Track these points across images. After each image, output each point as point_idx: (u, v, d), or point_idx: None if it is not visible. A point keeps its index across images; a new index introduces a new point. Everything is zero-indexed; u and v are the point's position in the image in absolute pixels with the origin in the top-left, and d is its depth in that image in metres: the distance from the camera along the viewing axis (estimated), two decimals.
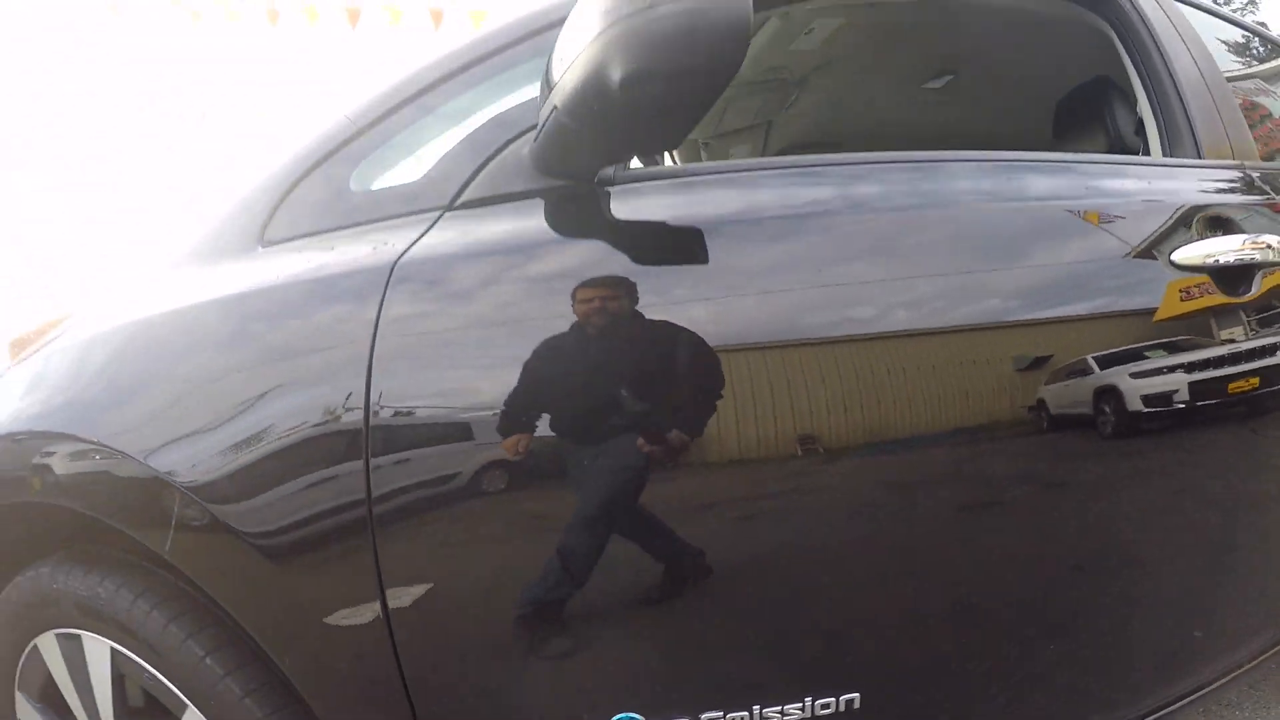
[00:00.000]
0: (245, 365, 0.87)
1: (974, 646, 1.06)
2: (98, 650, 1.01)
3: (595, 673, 0.90)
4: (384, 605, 0.83)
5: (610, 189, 0.93)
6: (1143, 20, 1.49)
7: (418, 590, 0.85)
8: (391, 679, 0.85)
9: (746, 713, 0.88)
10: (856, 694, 0.93)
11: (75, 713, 1.09)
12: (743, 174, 1.09)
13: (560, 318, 0.81)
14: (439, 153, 0.96)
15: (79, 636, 1.03)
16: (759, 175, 1.08)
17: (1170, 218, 1.21)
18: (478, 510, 0.85)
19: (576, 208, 0.94)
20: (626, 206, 0.95)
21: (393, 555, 0.83)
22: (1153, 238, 1.19)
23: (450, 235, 0.87)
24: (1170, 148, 1.41)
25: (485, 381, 0.84)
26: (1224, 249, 1.18)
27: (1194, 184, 1.33)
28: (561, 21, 0.95)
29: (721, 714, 0.87)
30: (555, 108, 0.78)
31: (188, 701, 0.94)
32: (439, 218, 0.89)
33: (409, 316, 0.83)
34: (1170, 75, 1.44)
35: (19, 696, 1.15)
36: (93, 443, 0.93)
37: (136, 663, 0.97)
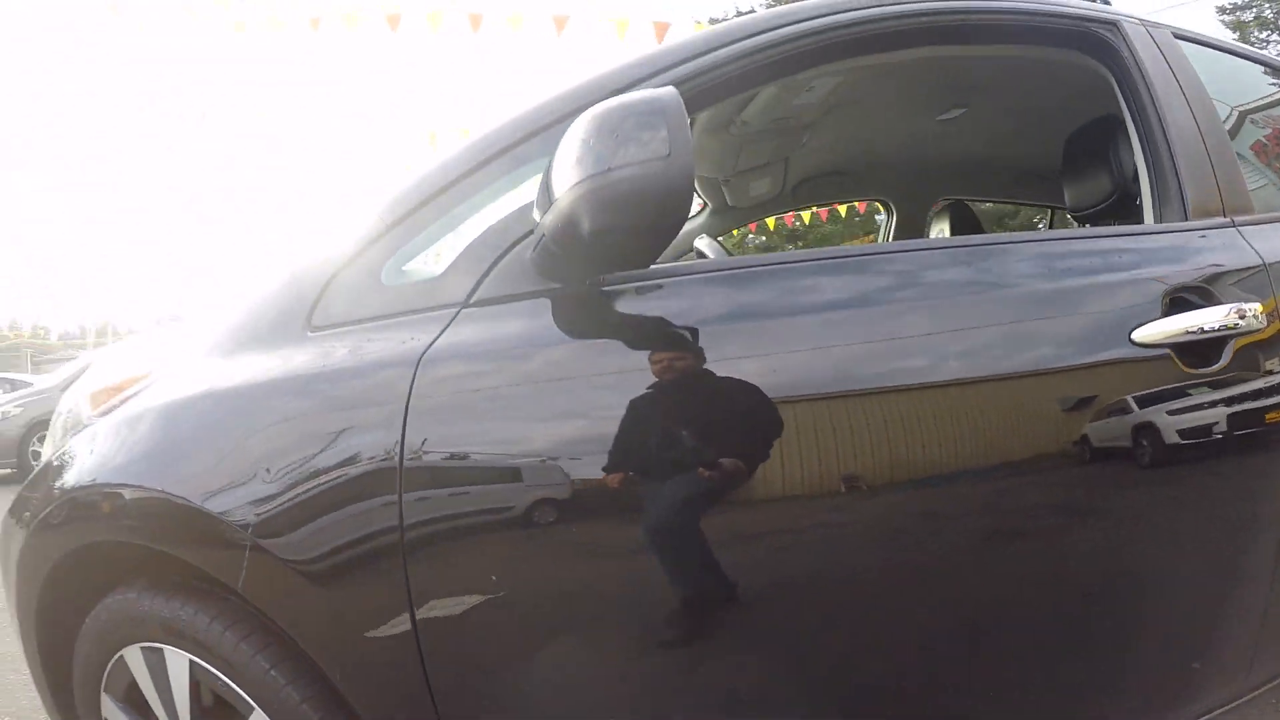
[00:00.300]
0: (305, 425, 1.06)
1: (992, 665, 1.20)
2: (178, 662, 1.19)
3: (594, 684, 1.07)
4: (413, 618, 1.00)
5: (607, 290, 1.08)
6: (1139, 68, 1.49)
7: (441, 605, 1.02)
8: (419, 684, 1.03)
9: None
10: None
11: (156, 713, 1.27)
12: (731, 272, 1.22)
13: (553, 393, 1.01)
14: (457, 248, 1.13)
15: (161, 650, 1.21)
16: (745, 274, 1.21)
17: (1136, 293, 1.24)
18: (488, 535, 1.02)
19: (577, 307, 1.09)
20: (625, 306, 1.10)
21: (419, 575, 1.00)
22: (1114, 316, 1.21)
23: (466, 333, 1.04)
24: (1159, 202, 1.44)
25: (492, 440, 1.02)
26: (1189, 324, 1.19)
27: (1167, 254, 1.33)
28: (561, 119, 1.15)
29: None
30: (543, 235, 0.97)
31: (255, 705, 1.12)
32: (456, 314, 1.06)
33: (433, 395, 1.01)
34: (1162, 127, 1.44)
35: (105, 697, 1.34)
36: (159, 490, 1.13)
37: (212, 673, 1.15)
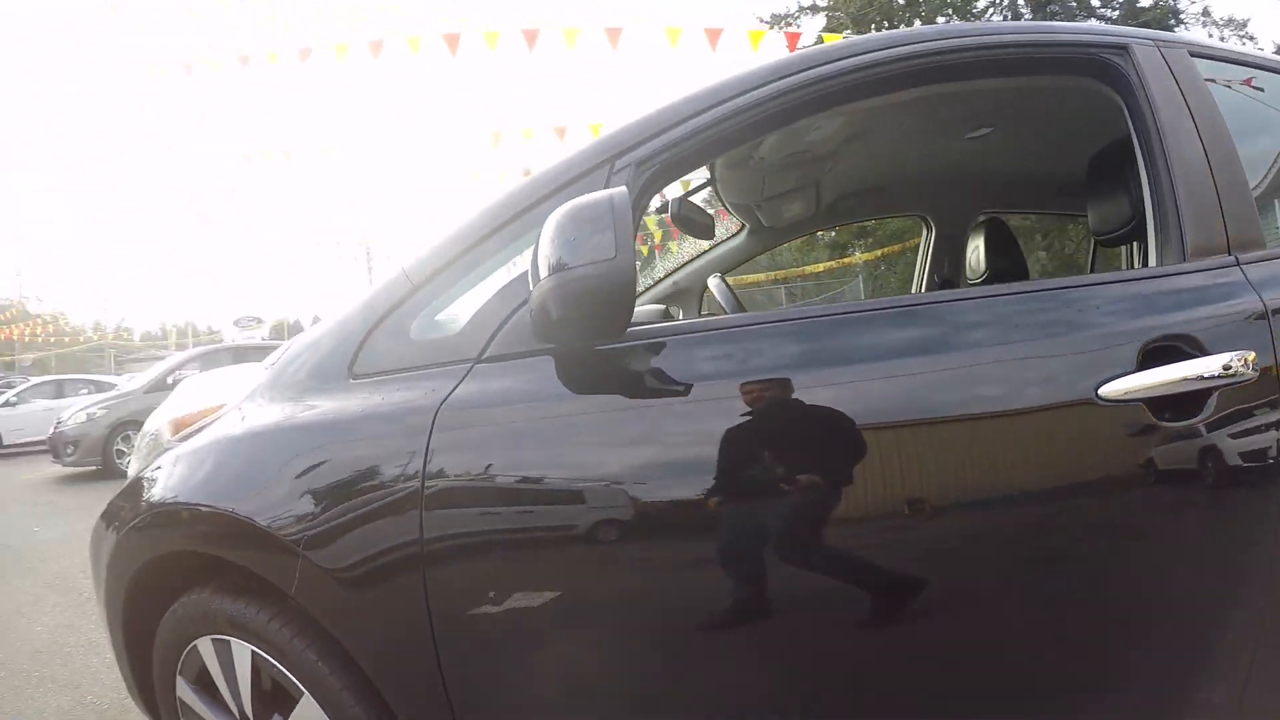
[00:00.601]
0: (345, 460, 1.26)
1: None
2: (242, 652, 1.40)
3: (574, 677, 1.23)
4: (429, 616, 1.19)
5: (601, 349, 1.23)
6: (1145, 94, 1.44)
7: (451, 605, 1.20)
8: (434, 673, 1.21)
9: None
10: None
11: (222, 693, 1.48)
12: (704, 334, 1.27)
13: (551, 439, 1.19)
14: (473, 308, 1.33)
15: (229, 641, 1.42)
16: (714, 335, 1.27)
17: (1106, 346, 1.22)
18: (491, 549, 1.20)
19: (574, 365, 1.24)
20: (615, 364, 1.25)
21: (435, 580, 1.18)
22: (1080, 371, 1.20)
23: (477, 386, 1.22)
24: (1160, 240, 1.39)
25: (495, 474, 1.19)
26: (1160, 379, 1.17)
27: (1147, 301, 1.28)
28: (555, 193, 1.33)
29: None
30: (531, 310, 1.18)
31: (304, 690, 1.32)
32: (470, 369, 1.24)
33: (449, 437, 1.20)
34: (1165, 158, 1.39)
35: (180, 680, 1.56)
36: (226, 510, 1.34)
37: (270, 662, 1.36)
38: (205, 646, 1.48)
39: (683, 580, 1.17)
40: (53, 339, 44.04)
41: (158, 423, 1.78)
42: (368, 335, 1.35)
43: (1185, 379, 1.19)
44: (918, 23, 22.83)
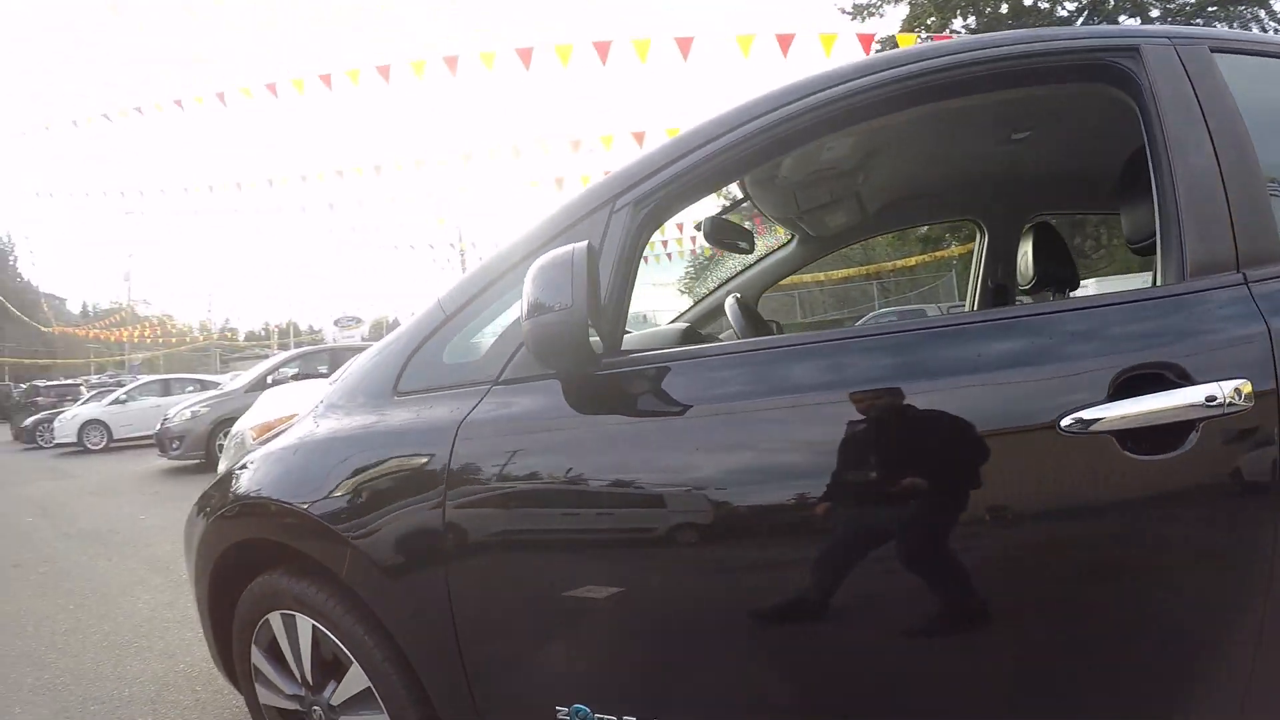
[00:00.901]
0: (386, 467, 1.48)
1: None
2: (305, 625, 1.64)
3: (560, 652, 1.40)
4: (449, 595, 1.39)
5: (600, 374, 1.37)
6: (1154, 99, 1.35)
7: (467, 585, 1.39)
8: (453, 645, 1.40)
9: None
10: None
11: (288, 660, 1.72)
12: (694, 360, 1.37)
13: (555, 450, 1.36)
14: (493, 336, 1.51)
15: (294, 616, 1.66)
16: (719, 360, 1.37)
17: (1072, 376, 1.17)
18: (500, 541, 1.38)
19: (574, 388, 1.37)
20: (617, 387, 1.38)
21: (454, 565, 1.39)
22: (1043, 401, 1.17)
23: (493, 405, 1.40)
24: (1164, 255, 1.32)
25: (504, 480, 1.36)
26: (1129, 411, 1.12)
27: (1132, 327, 1.22)
28: (563, 232, 1.49)
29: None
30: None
31: (354, 659, 1.55)
32: (488, 391, 1.42)
33: (468, 448, 1.38)
34: (1170, 169, 1.29)
35: (254, 648, 1.81)
36: (293, 504, 1.58)
37: (326, 634, 1.58)
38: (275, 620, 1.72)
39: (657, 573, 1.33)
40: (160, 339, 46.28)
41: (243, 427, 2.07)
42: (409, 358, 1.57)
43: (1157, 411, 1.12)
44: (1004, 7, 22.03)
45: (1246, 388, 1.10)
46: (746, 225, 2.88)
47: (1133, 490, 1.15)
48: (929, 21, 25.09)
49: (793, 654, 1.30)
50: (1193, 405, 1.11)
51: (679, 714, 1.35)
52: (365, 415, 1.57)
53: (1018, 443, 1.19)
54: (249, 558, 1.78)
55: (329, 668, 1.65)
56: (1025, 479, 1.19)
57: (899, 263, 28.33)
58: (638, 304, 1.54)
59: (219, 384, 14.74)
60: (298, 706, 1.74)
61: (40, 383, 27.99)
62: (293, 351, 13.70)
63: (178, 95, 10.31)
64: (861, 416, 1.24)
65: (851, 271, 29.76)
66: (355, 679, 1.57)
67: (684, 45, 8.58)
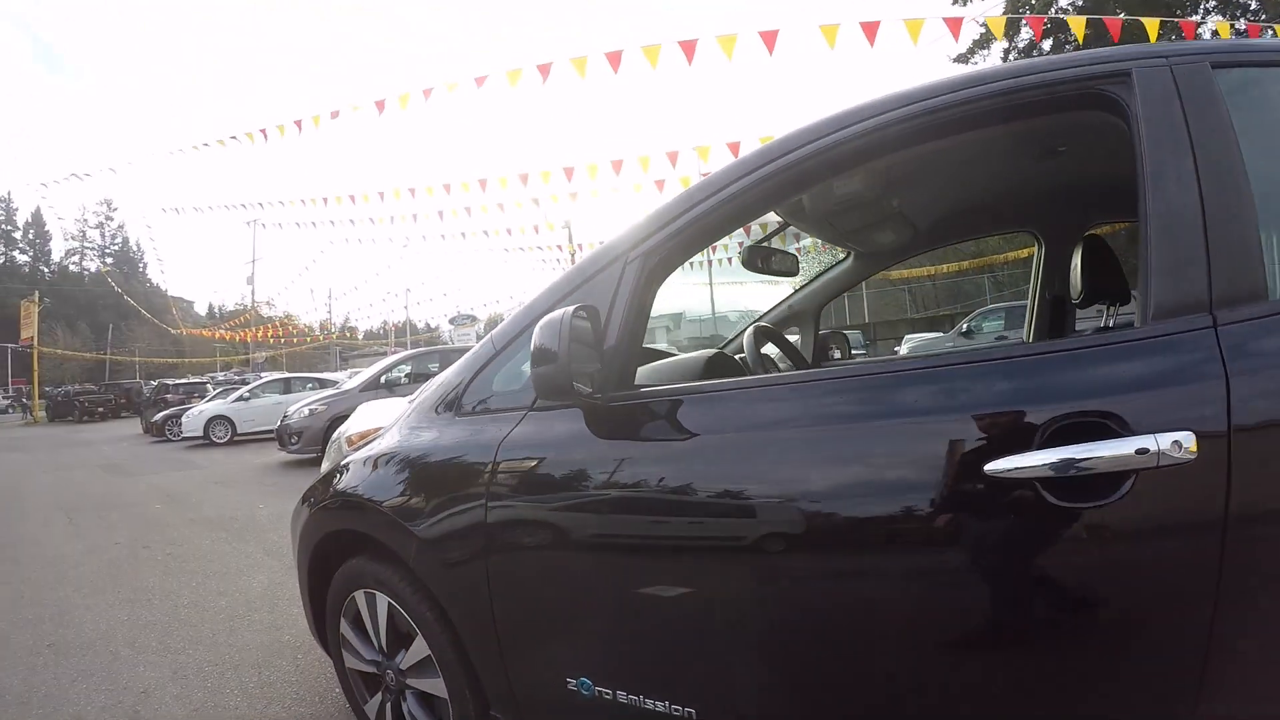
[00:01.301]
0: (444, 474, 1.79)
1: None
2: (382, 602, 1.97)
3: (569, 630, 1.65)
4: (488, 580, 1.66)
5: (615, 404, 1.57)
6: (1141, 130, 1.31)
7: (502, 575, 1.65)
8: (489, 621, 1.68)
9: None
10: None
11: (369, 632, 2.06)
12: (698, 395, 1.54)
13: (574, 468, 1.59)
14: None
15: (375, 594, 1.99)
16: (706, 397, 1.52)
17: (1002, 422, 1.21)
18: (527, 537, 1.63)
19: (592, 416, 1.57)
20: (624, 416, 1.56)
21: (494, 562, 1.66)
22: (970, 449, 1.22)
23: (528, 429, 1.66)
24: (1138, 294, 1.29)
25: (532, 488, 1.61)
26: (1050, 460, 1.13)
27: (1075, 374, 1.21)
28: (585, 282, 1.70)
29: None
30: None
31: (419, 631, 1.87)
32: (524, 416, 1.69)
33: (506, 463, 1.65)
34: (1147, 204, 1.26)
35: (342, 620, 2.16)
36: (375, 502, 1.92)
37: (399, 610, 1.91)
38: (359, 597, 2.07)
39: (645, 573, 1.54)
40: (282, 339, 48.43)
41: (341, 435, 2.44)
42: (469, 384, 1.87)
43: (1084, 460, 1.13)
44: None
45: (1189, 441, 1.08)
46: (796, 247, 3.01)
47: (1056, 537, 1.18)
48: (1031, 1, 24.40)
49: (751, 645, 1.46)
50: (1121, 457, 1.11)
51: (661, 691, 1.53)
52: (432, 431, 1.89)
53: (948, 484, 1.23)
54: (341, 544, 2.12)
55: (400, 638, 1.98)
56: (952, 520, 1.24)
57: (1010, 255, 27.34)
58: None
59: (337, 382, 15.40)
60: (375, 670, 2.08)
61: (169, 381, 29.79)
62: (406, 353, 14.25)
63: (297, 116, 10.92)
64: (813, 454, 1.37)
65: (964, 264, 28.95)
66: (419, 648, 1.89)
67: (769, 39, 8.46)
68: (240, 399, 17.75)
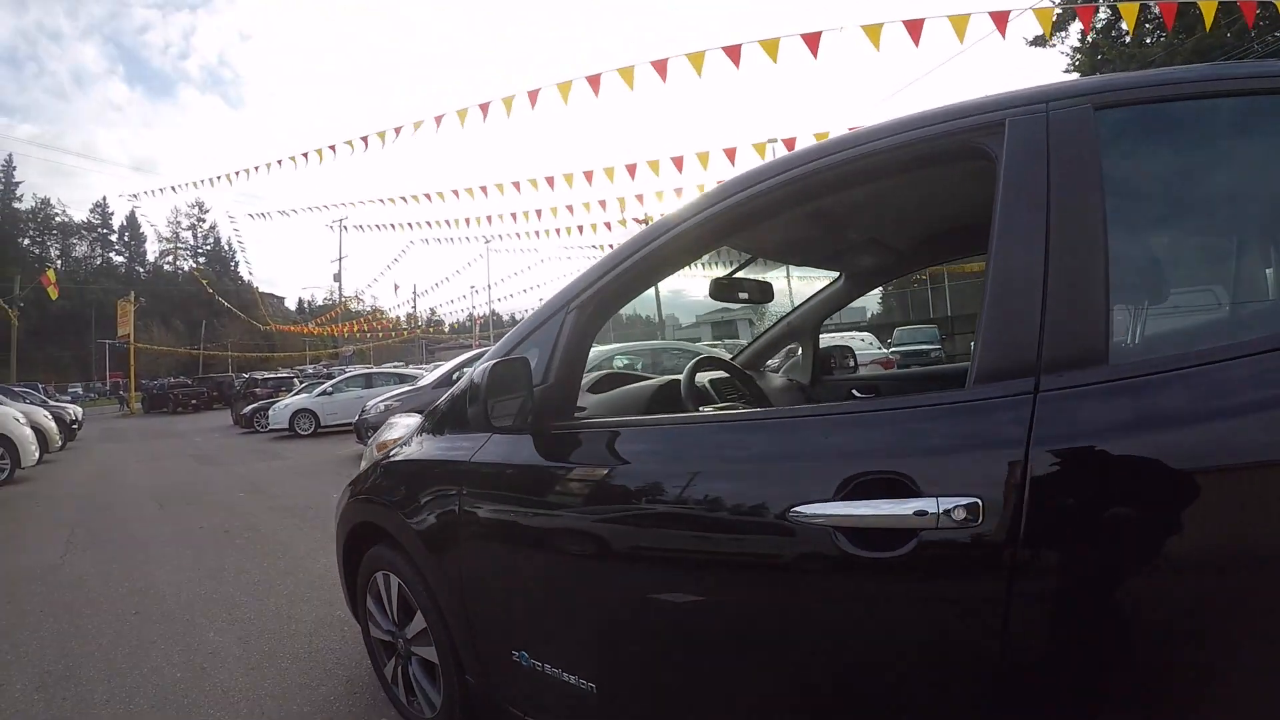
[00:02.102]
0: (432, 479, 2.15)
1: None
2: (395, 583, 2.38)
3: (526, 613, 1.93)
4: (461, 568, 2.01)
5: (555, 433, 1.83)
6: (999, 185, 1.30)
7: (469, 566, 2.00)
8: (461, 601, 2.03)
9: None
10: None
11: (386, 607, 2.47)
12: (620, 430, 1.75)
13: (519, 482, 1.88)
14: None
15: (390, 575, 2.40)
16: (627, 431, 1.74)
17: (816, 473, 1.31)
18: (484, 535, 1.95)
19: (536, 441, 1.83)
20: (561, 443, 1.81)
21: (464, 550, 2.00)
22: (776, 494, 1.34)
23: (493, 448, 1.97)
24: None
25: (489, 493, 1.93)
26: (842, 512, 1.24)
27: (874, 433, 1.31)
28: (538, 327, 1.99)
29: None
30: None
31: (418, 608, 2.27)
32: (489, 438, 1.99)
33: (475, 475, 1.98)
34: (989, 261, 1.27)
35: (368, 596, 2.59)
36: (386, 501, 2.32)
37: (405, 590, 2.32)
38: (379, 578, 2.49)
39: (565, 567, 1.79)
40: (367, 333, 49.76)
41: (373, 442, 2.88)
42: (454, 408, 2.24)
43: (866, 516, 1.22)
44: None
45: (972, 508, 1.13)
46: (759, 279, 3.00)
47: (847, 580, 1.27)
48: None
49: (635, 636, 1.67)
50: (899, 516, 1.18)
51: (574, 667, 1.77)
52: (431, 442, 2.29)
53: (761, 522, 1.37)
54: (366, 533, 2.54)
55: (406, 613, 2.39)
56: (762, 554, 1.39)
57: None
58: None
59: (417, 377, 15.72)
60: (390, 639, 2.51)
61: (257, 375, 31.14)
62: (474, 352, 14.63)
63: (394, 125, 11.52)
64: (668, 484, 1.57)
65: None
66: (419, 622, 2.30)
67: (811, 42, 8.52)
68: (324, 393, 18.42)
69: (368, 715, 2.69)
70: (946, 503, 1.14)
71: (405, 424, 2.79)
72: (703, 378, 2.82)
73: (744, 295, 2.93)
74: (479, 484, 1.99)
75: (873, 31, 8.44)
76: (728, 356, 3.65)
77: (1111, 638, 1.08)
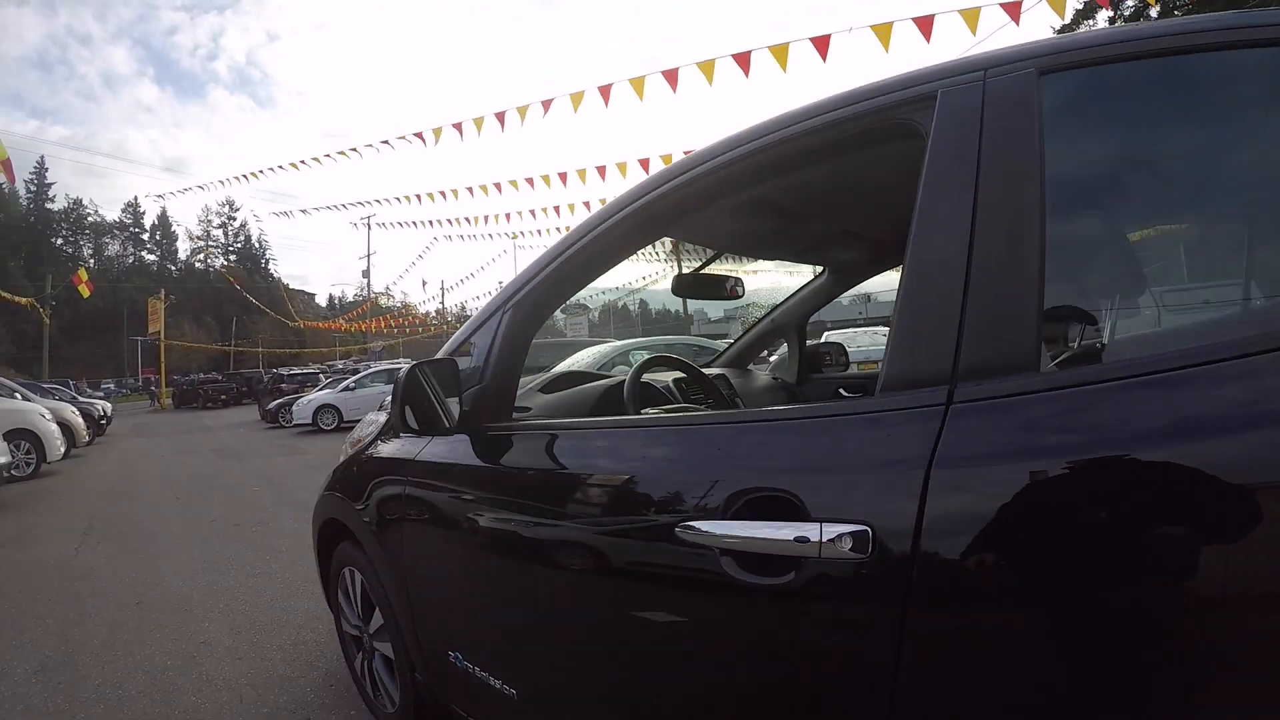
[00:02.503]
0: (382, 476, 2.19)
1: None
2: (358, 578, 2.45)
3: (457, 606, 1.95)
4: (403, 559, 2.07)
5: (490, 435, 1.81)
6: (923, 166, 1.15)
7: (411, 568, 2.05)
8: (406, 593, 2.08)
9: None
10: None
11: (352, 601, 2.54)
12: (549, 432, 1.71)
13: (457, 478, 1.89)
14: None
15: (355, 572, 2.47)
16: (561, 433, 1.68)
17: (703, 487, 1.23)
18: (422, 530, 1.98)
19: (472, 442, 1.82)
20: (495, 443, 1.79)
21: (405, 542, 2.06)
22: (670, 509, 1.27)
23: (431, 448, 2.01)
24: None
25: (429, 488, 1.94)
26: (725, 532, 1.14)
27: (780, 444, 1.20)
28: (479, 327, 1.99)
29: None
30: None
31: (376, 603, 2.34)
32: (430, 440, 2.02)
33: (419, 470, 2.01)
34: (906, 252, 1.12)
35: (338, 590, 2.66)
36: (347, 498, 2.39)
37: (366, 586, 2.39)
38: (346, 573, 2.57)
39: (494, 567, 1.78)
40: (395, 329, 50.07)
41: (347, 440, 2.98)
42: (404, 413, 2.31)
43: (748, 539, 1.12)
44: None
45: (860, 536, 0.99)
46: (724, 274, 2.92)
47: (727, 605, 1.18)
48: None
49: (552, 645, 1.65)
50: (779, 541, 1.06)
51: (499, 672, 1.77)
52: (384, 442, 2.35)
53: (651, 537, 1.31)
54: (335, 528, 2.60)
55: (369, 608, 2.45)
56: (652, 573, 1.34)
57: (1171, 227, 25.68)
58: None
59: None
60: (357, 634, 2.58)
61: (283, 371, 31.57)
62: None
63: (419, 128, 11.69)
64: (570, 498, 1.54)
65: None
66: (378, 618, 2.37)
67: (820, 45, 8.44)
68: (346, 388, 18.67)
69: (339, 708, 2.79)
70: (832, 530, 1.01)
71: (378, 421, 2.88)
72: (666, 377, 2.81)
73: (712, 290, 2.84)
74: (419, 484, 2.03)
75: (882, 31, 8.29)
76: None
77: (1010, 697, 0.93)
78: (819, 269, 3.36)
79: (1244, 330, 1.02)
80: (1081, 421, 0.92)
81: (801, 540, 1.03)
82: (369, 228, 47.39)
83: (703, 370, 2.96)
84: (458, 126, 11.00)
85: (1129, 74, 1.11)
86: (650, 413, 2.18)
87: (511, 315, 1.88)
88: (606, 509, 1.46)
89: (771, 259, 3.13)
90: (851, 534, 1.00)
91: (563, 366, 8.51)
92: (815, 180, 1.97)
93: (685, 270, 2.84)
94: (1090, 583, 0.87)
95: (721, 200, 1.70)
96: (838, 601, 1.05)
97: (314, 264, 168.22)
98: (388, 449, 2.29)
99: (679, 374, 2.87)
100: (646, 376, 2.69)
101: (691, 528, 1.18)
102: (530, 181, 14.61)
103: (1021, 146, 1.07)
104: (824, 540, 1.01)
